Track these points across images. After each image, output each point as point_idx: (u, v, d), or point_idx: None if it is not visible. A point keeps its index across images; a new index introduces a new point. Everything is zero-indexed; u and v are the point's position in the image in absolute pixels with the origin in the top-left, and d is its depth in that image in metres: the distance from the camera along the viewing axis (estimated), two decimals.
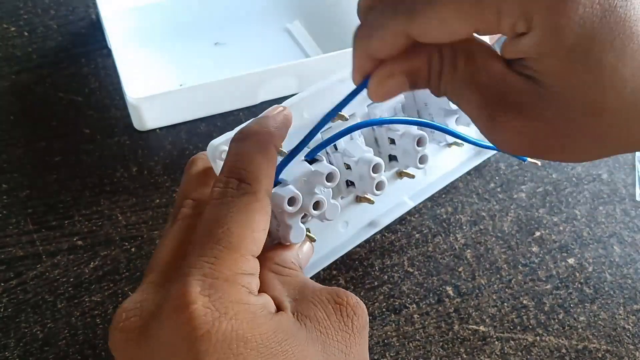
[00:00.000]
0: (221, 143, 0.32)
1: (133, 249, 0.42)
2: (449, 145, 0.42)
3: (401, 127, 0.37)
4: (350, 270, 0.41)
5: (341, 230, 0.39)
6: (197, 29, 0.51)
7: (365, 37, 0.30)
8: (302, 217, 0.34)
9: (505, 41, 0.30)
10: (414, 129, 0.37)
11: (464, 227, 0.44)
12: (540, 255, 0.43)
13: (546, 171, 0.47)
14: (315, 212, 0.33)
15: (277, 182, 0.33)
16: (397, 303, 0.40)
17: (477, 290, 0.41)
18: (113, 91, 0.47)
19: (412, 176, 0.40)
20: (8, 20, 0.50)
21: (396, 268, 0.42)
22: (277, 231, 0.34)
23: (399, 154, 0.39)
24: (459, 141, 0.41)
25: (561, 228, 0.44)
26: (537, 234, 0.44)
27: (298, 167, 0.33)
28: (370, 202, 0.39)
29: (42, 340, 0.38)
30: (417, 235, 0.43)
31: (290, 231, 0.33)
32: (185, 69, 0.49)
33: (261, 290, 0.30)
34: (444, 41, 0.29)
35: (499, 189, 0.46)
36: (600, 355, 0.39)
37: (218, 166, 0.32)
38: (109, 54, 0.47)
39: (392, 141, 0.38)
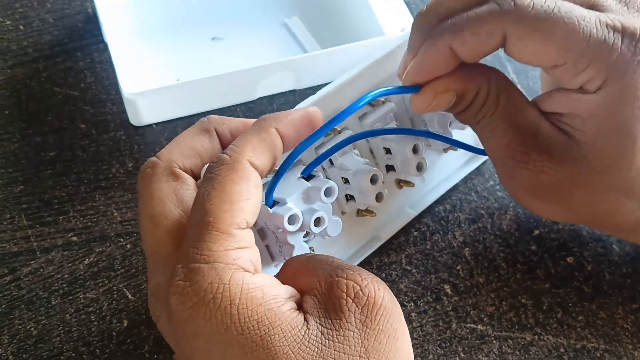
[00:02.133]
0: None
1: (128, 245, 0.41)
2: (445, 150, 0.42)
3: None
4: None
5: (345, 245, 0.39)
6: (194, 23, 0.50)
7: (440, 42, 0.31)
8: (304, 236, 0.33)
9: (547, 94, 0.33)
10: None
11: (463, 225, 0.43)
12: (539, 253, 0.43)
13: None
14: (316, 229, 0.32)
15: (274, 202, 0.32)
16: None
17: (475, 289, 0.41)
18: (109, 86, 0.47)
19: (412, 184, 0.40)
20: (3, 13, 0.50)
21: (394, 266, 0.41)
22: (280, 252, 0.33)
23: (396, 163, 0.38)
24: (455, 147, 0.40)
25: (560, 227, 0.44)
26: (536, 232, 0.44)
27: (295, 184, 0.32)
28: (373, 214, 0.38)
29: (36, 337, 0.38)
30: (415, 233, 0.43)
31: (293, 251, 0.32)
32: (182, 64, 0.49)
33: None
34: (525, 62, 0.31)
35: (498, 187, 0.45)
36: (598, 354, 0.39)
37: None
38: (105, 48, 0.47)
39: (388, 150, 0.38)
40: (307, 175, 0.33)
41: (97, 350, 0.38)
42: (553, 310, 0.41)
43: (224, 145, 0.33)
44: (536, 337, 0.39)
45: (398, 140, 0.37)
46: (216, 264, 0.27)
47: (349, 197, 0.37)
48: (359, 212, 0.39)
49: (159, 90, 0.43)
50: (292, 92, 0.48)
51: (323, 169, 0.36)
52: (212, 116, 0.34)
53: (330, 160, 0.36)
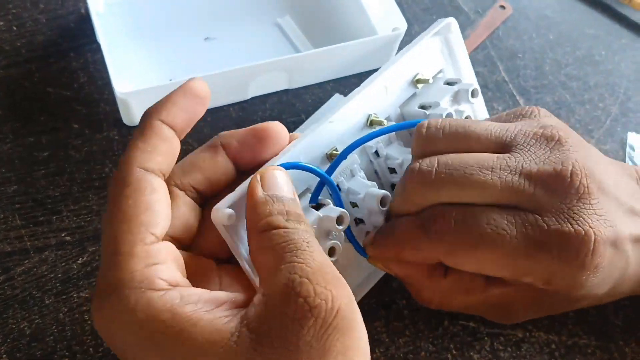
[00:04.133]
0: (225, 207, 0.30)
1: None
2: None
3: (400, 155, 0.37)
4: None
5: (356, 269, 0.38)
6: (187, 24, 0.51)
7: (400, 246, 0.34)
8: None
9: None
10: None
11: None
12: None
13: None
14: (331, 259, 0.32)
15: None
16: (386, 299, 0.40)
17: None
18: (102, 86, 0.47)
19: None
20: None
21: None
22: None
23: None
24: None
25: None
26: None
27: (306, 215, 0.31)
28: None
29: (29, 336, 0.38)
30: None
31: None
32: (175, 63, 0.49)
33: None
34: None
35: None
36: (590, 350, 0.39)
37: (224, 234, 0.30)
38: (98, 48, 0.47)
39: (393, 170, 0.38)
40: (316, 204, 0.33)
41: (91, 349, 0.38)
42: None
43: (233, 157, 0.33)
44: (527, 333, 0.40)
45: (402, 160, 0.37)
46: (121, 290, 0.26)
47: (359, 221, 0.37)
48: (368, 234, 0.38)
49: (151, 90, 0.43)
50: (285, 91, 0.49)
51: (330, 195, 0.35)
52: (222, 132, 0.33)
53: (338, 186, 0.35)
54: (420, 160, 0.33)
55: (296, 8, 0.52)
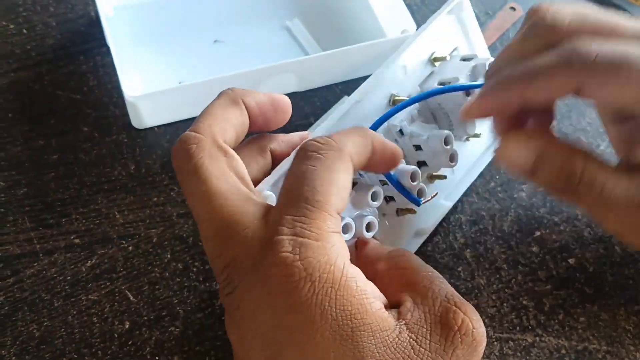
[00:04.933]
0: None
1: (130, 247, 0.41)
2: (467, 139, 0.42)
3: (425, 131, 0.38)
4: None
5: (390, 245, 0.39)
6: (196, 27, 0.51)
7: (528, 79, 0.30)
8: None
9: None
10: (439, 131, 0.38)
11: (464, 227, 0.43)
12: (541, 255, 0.43)
13: None
14: (368, 234, 0.33)
15: None
16: None
17: (476, 290, 0.41)
18: (112, 89, 0.47)
19: (444, 177, 0.40)
20: (7, 17, 0.50)
21: None
22: None
23: (428, 157, 0.39)
24: (477, 133, 0.41)
25: (562, 228, 0.44)
26: (538, 233, 0.44)
27: None
28: (413, 212, 0.39)
29: (38, 339, 0.38)
30: None
31: None
32: (184, 66, 0.49)
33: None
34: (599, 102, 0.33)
35: (499, 189, 0.45)
36: (600, 356, 0.39)
37: None
38: (107, 52, 0.47)
39: (418, 147, 0.38)
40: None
41: (99, 352, 0.38)
42: (554, 312, 0.40)
43: (251, 118, 0.33)
44: (537, 338, 0.39)
45: (428, 136, 0.38)
46: (324, 242, 0.27)
47: (389, 199, 0.38)
48: (399, 212, 0.39)
49: (160, 93, 0.43)
50: (293, 94, 0.49)
51: (360, 174, 0.37)
52: (236, 88, 0.33)
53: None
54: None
55: (305, 11, 0.52)
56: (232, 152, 0.31)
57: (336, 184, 0.28)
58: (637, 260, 0.43)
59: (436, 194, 0.39)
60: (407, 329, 0.27)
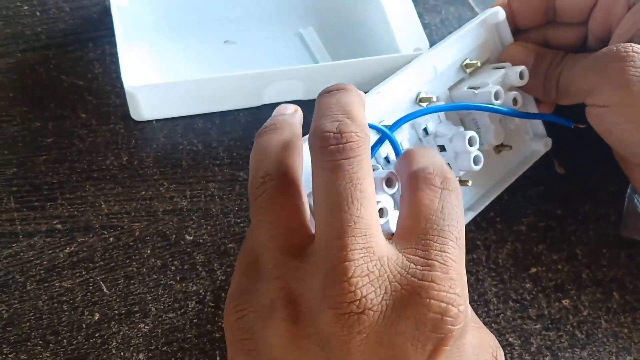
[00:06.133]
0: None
1: (111, 239, 0.41)
2: (499, 150, 0.41)
3: (449, 131, 0.37)
4: None
5: None
6: (208, 25, 0.50)
7: None
8: None
9: None
10: (464, 131, 0.37)
11: None
12: (534, 292, 0.41)
13: (552, 205, 0.45)
14: (381, 220, 0.32)
15: None
16: None
17: None
18: (115, 79, 0.47)
19: (467, 183, 0.39)
20: None
21: None
22: None
23: (451, 159, 0.38)
24: (508, 144, 0.41)
25: (559, 266, 0.42)
26: (533, 270, 0.42)
27: None
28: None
29: (6, 320, 0.37)
30: None
31: None
32: (192, 63, 0.48)
33: None
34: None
35: (498, 219, 0.44)
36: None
37: None
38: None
39: (442, 148, 0.38)
40: None
41: (65, 340, 0.37)
42: (541, 353, 0.38)
43: None
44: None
45: (452, 135, 0.37)
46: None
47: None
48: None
49: (160, 86, 0.43)
50: (298, 102, 0.48)
51: (377, 164, 0.37)
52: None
53: (387, 158, 0.37)
54: None
55: (321, 21, 0.51)
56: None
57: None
58: (635, 309, 0.41)
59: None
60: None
